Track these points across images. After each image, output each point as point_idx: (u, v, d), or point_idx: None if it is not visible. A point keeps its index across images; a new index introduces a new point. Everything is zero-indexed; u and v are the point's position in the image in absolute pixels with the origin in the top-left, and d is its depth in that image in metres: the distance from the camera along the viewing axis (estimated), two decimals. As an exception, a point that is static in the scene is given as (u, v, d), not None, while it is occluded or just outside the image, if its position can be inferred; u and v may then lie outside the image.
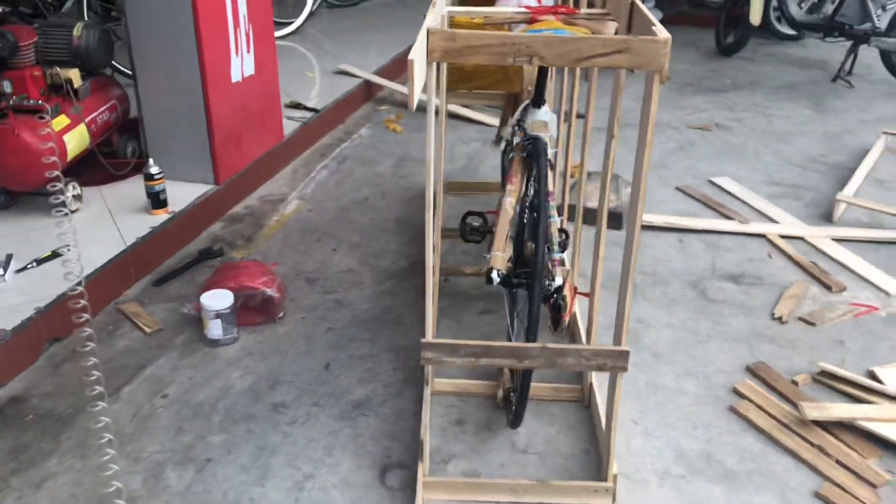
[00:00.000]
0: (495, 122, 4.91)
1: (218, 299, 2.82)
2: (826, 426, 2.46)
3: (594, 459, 2.36)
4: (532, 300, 2.06)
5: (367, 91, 5.35)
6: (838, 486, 2.26)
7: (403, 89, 5.46)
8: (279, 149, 4.25)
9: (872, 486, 2.27)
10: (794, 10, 6.06)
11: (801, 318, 3.04)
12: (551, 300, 2.28)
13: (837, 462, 2.35)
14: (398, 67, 5.93)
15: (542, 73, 2.46)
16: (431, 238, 1.93)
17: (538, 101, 2.49)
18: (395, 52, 5.89)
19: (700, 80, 6.04)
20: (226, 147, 3.75)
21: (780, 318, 3.02)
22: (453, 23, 2.49)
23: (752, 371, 2.73)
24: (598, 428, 2.40)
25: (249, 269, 2.99)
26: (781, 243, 3.57)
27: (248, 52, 3.85)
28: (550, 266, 2.32)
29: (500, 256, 2.43)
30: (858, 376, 2.66)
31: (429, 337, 2.01)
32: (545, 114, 2.49)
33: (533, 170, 2.46)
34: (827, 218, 3.81)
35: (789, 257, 3.47)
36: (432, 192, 1.90)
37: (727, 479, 2.30)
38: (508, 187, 2.44)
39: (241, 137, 3.87)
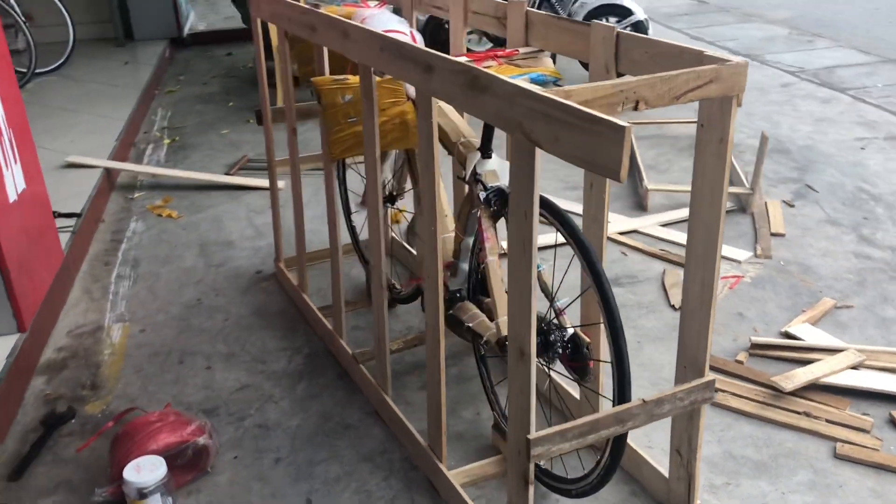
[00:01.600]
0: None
1: (148, 470, 2.23)
2: (795, 392, 2.66)
3: (646, 499, 2.28)
4: (621, 356, 1.93)
5: (108, 180, 4.63)
6: (848, 442, 2.45)
7: (156, 170, 4.82)
8: (62, 269, 3.49)
9: (865, 431, 2.50)
10: None
11: (696, 303, 3.24)
12: (566, 350, 2.16)
13: (828, 421, 2.55)
14: (128, 148, 5.23)
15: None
16: (533, 319, 1.70)
17: (487, 152, 2.34)
18: (116, 131, 5.17)
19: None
20: (21, 283, 2.98)
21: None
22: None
23: (700, 363, 2.86)
24: (638, 466, 2.33)
25: (163, 420, 2.41)
26: (624, 239, 3.79)
27: (16, 162, 3.10)
28: (557, 316, 2.20)
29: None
30: (786, 340, 2.92)
31: (533, 432, 1.78)
32: (496, 162, 2.35)
33: (496, 221, 2.31)
34: (640, 208, 4.13)
35: (640, 250, 3.70)
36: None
37: (762, 471, 2.38)
38: (488, 247, 2.26)
39: (31, 266, 3.11)
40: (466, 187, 2.42)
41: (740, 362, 2.84)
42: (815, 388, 2.68)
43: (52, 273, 3.36)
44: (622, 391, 1.93)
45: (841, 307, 3.18)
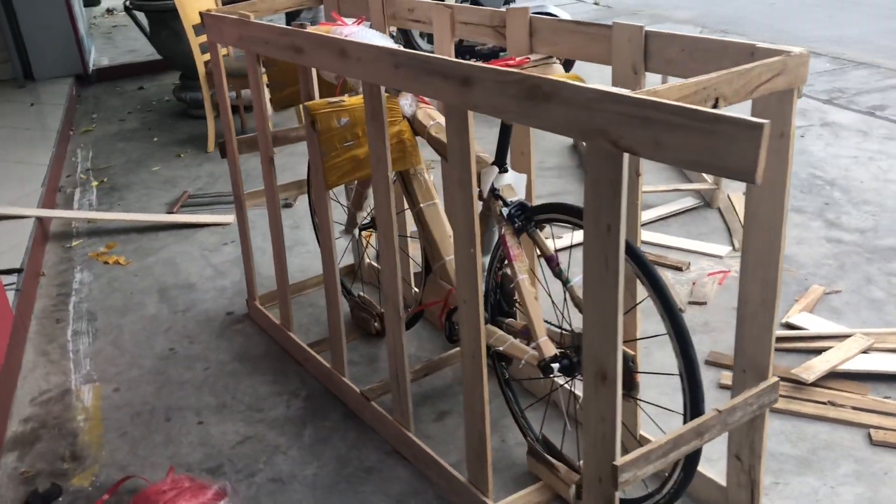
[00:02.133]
0: (226, 219, 4.33)
1: (172, 546, 2.02)
2: (815, 382, 2.65)
3: (701, 508, 2.22)
4: (693, 368, 1.84)
5: (42, 230, 4.28)
6: (880, 428, 2.45)
7: (97, 215, 4.48)
8: (13, 331, 3.18)
9: (893, 415, 2.51)
10: (423, 45, 6.42)
11: (692, 303, 3.22)
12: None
13: (854, 409, 2.54)
14: (54, 193, 4.88)
15: (505, 133, 2.20)
16: (619, 340, 1.59)
17: (503, 165, 2.23)
18: (39, 177, 4.81)
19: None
20: (-20, 351, 2.69)
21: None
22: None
23: (713, 363, 2.82)
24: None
25: (177, 486, 2.18)
26: (602, 245, 3.74)
27: (-41, 218, 2.81)
28: None
29: (549, 342, 2.14)
30: (792, 332, 2.92)
31: (618, 458, 1.67)
32: (512, 176, 2.24)
33: (517, 237, 2.20)
34: (608, 211, 4.09)
35: (620, 254, 3.66)
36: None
37: (806, 466, 2.35)
38: (517, 265, 2.15)
39: (-14, 332, 2.81)
40: (480, 204, 2.31)
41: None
42: (833, 376, 2.68)
43: (6, 337, 3.05)
44: (696, 403, 1.85)
45: (830, 293, 3.21)
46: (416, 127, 2.48)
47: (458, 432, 2.59)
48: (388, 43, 2.50)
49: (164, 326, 3.38)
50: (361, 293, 3.28)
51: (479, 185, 2.26)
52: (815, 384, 2.64)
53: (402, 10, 2.77)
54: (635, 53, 1.95)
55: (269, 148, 2.82)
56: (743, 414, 1.85)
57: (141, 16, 6.24)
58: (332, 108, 2.35)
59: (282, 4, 3.14)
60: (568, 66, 6.01)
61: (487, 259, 2.39)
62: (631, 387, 2.11)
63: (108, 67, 8.06)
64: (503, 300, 2.45)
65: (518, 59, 2.20)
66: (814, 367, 2.66)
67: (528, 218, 2.18)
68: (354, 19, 2.74)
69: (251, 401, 2.85)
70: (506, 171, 2.24)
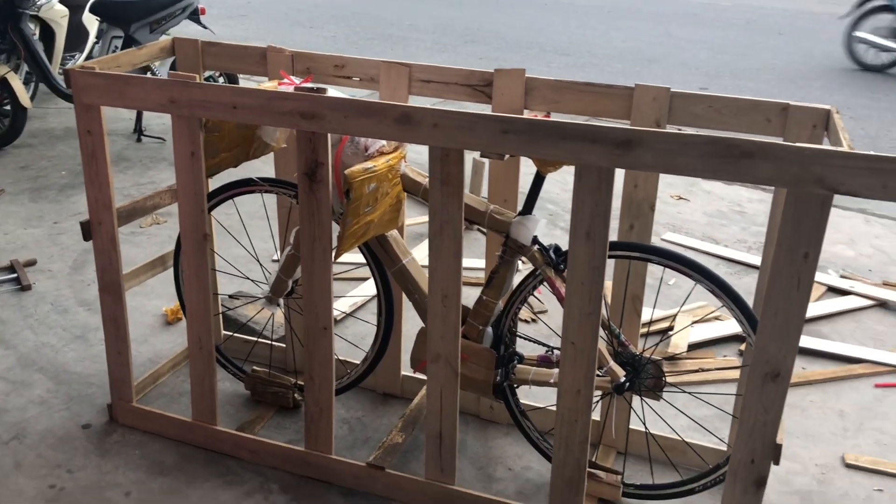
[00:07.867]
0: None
1: None
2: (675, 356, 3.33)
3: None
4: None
5: None
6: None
7: None
8: None
9: (738, 368, 3.31)
10: None
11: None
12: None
13: (717, 369, 3.28)
14: None
15: (538, 183, 2.36)
16: (795, 353, 1.96)
17: (531, 211, 2.40)
18: None
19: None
20: None
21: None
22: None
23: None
24: None
25: None
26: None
27: None
28: (623, 347, 2.46)
29: (618, 366, 2.40)
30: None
31: (779, 438, 2.06)
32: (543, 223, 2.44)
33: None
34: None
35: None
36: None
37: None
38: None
39: None
40: (503, 251, 2.44)
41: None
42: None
43: None
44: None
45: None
46: (408, 185, 2.48)
47: (488, 473, 2.66)
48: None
49: (8, 464, 2.65)
50: (255, 368, 3.02)
51: (513, 235, 2.40)
52: (676, 357, 3.31)
53: (327, 66, 2.69)
54: (660, 111, 2.34)
55: (203, 224, 2.48)
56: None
57: None
58: (367, 175, 2.25)
59: (140, 59, 2.73)
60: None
61: (501, 304, 2.53)
62: (662, 388, 2.49)
63: None
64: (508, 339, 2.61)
65: (544, 115, 2.40)
66: (678, 345, 3.35)
67: (564, 258, 2.40)
68: (301, 77, 2.58)
69: (223, 513, 2.48)
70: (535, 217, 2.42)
